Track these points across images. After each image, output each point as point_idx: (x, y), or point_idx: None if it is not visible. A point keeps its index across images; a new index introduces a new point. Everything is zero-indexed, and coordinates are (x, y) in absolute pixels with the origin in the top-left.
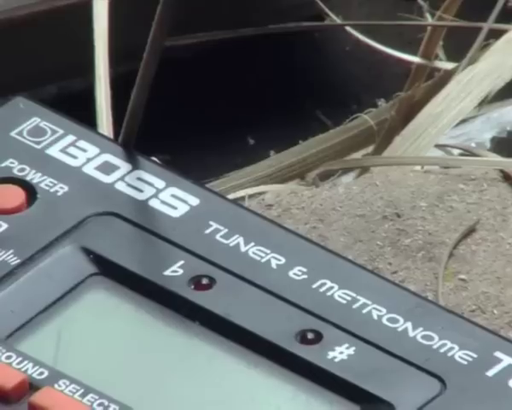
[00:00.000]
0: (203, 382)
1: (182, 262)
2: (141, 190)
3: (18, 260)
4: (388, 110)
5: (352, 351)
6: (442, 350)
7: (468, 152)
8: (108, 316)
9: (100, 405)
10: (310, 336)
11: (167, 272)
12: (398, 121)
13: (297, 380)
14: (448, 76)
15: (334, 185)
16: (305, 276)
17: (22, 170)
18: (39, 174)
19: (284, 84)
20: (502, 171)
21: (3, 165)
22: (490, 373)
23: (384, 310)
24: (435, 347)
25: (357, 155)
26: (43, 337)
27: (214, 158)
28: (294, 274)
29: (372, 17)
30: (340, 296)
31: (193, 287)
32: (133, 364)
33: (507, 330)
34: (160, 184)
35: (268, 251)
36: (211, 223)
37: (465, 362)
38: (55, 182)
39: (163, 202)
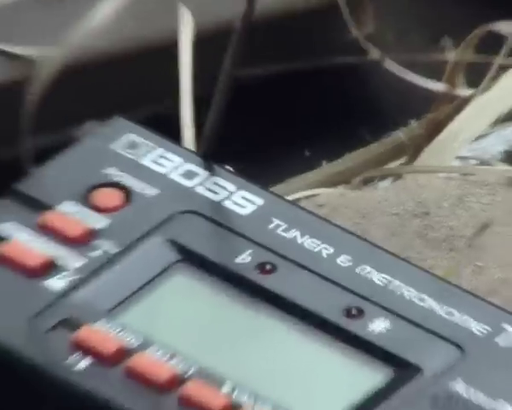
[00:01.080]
0: (268, 348)
1: (250, 251)
2: (216, 193)
3: (117, 250)
4: (418, 128)
5: (387, 324)
6: (461, 324)
7: (483, 162)
8: (190, 294)
9: (187, 366)
10: (354, 311)
11: (238, 260)
12: (425, 137)
13: (343, 348)
14: (467, 100)
15: (375, 189)
16: (349, 263)
17: (120, 176)
18: (134, 180)
19: (334, 109)
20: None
21: (105, 172)
22: (501, 343)
23: (414, 291)
24: (456, 321)
25: (393, 164)
26: (138, 312)
27: (277, 167)
28: (341, 261)
29: (406, 51)
30: (378, 279)
31: (258, 272)
32: (212, 334)
33: None
34: (231, 187)
35: (319, 242)
36: (273, 219)
37: (480, 334)
38: (147, 186)
39: (234, 203)
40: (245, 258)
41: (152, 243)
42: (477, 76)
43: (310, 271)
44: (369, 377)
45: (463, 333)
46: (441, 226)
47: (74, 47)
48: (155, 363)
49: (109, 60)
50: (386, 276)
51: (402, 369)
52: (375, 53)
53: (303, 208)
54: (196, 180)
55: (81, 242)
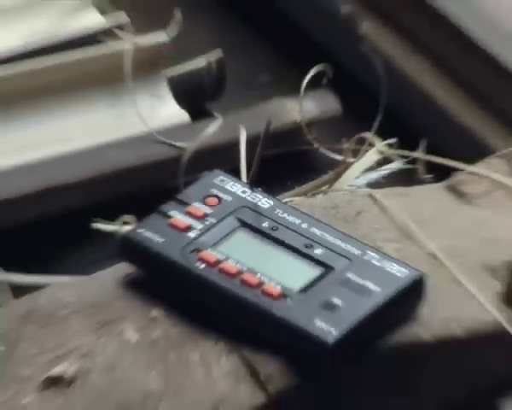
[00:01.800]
0: (273, 259)
1: (267, 222)
2: (254, 199)
3: (215, 221)
4: (333, 174)
5: (322, 251)
6: (353, 251)
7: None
8: (245, 239)
9: (244, 267)
10: (308, 245)
11: (263, 224)
12: (336, 177)
13: (304, 260)
14: (351, 163)
15: (316, 198)
16: (309, 226)
17: (217, 192)
18: (222, 193)
19: None
20: None
21: (211, 190)
22: (365, 258)
23: (333, 237)
24: (350, 250)
25: (323, 187)
26: (224, 246)
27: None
28: (307, 226)
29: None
30: (320, 233)
31: (271, 230)
32: (253, 253)
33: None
34: (260, 197)
35: (299, 220)
36: (277, 209)
37: (359, 254)
38: (227, 196)
39: (261, 203)
40: (265, 224)
41: (229, 219)
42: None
43: (292, 230)
44: (313, 271)
45: (353, 254)
46: (345, 211)
47: None
48: (232, 266)
49: None
50: (324, 233)
51: (327, 269)
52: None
53: (292, 207)
54: (246, 194)
55: (201, 218)
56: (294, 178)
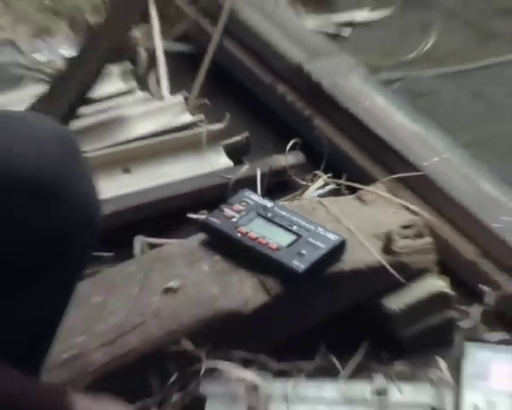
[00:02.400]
0: (275, 232)
1: (271, 213)
2: (265, 202)
3: (245, 214)
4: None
5: (296, 227)
6: (308, 228)
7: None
8: (260, 220)
9: (255, 233)
10: (292, 228)
11: (268, 215)
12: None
13: (291, 233)
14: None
15: (292, 203)
16: (291, 215)
17: (248, 201)
18: (251, 201)
19: None
20: None
21: (242, 198)
22: (318, 231)
23: (299, 219)
24: (307, 226)
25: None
26: (250, 226)
27: None
28: (291, 216)
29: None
30: (296, 218)
31: (272, 216)
32: (265, 227)
33: None
34: (266, 201)
35: (288, 214)
36: (274, 207)
37: (312, 228)
38: (253, 202)
39: (267, 203)
40: (269, 215)
41: (251, 213)
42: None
43: (282, 217)
44: (292, 237)
45: (311, 228)
46: (307, 208)
47: None
48: (253, 235)
49: None
50: (297, 219)
51: (298, 236)
52: None
53: (282, 205)
54: (259, 200)
55: (238, 212)
56: (283, 192)
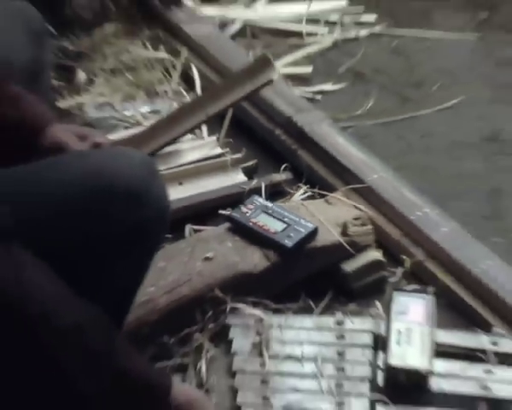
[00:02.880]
0: (267, 217)
1: (271, 210)
2: (267, 203)
3: (254, 208)
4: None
5: (287, 219)
6: (295, 220)
7: None
8: (266, 208)
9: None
10: (283, 219)
11: (269, 207)
12: None
13: (281, 220)
14: None
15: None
16: (281, 210)
17: (255, 201)
18: (258, 201)
19: None
20: None
21: (252, 202)
22: (305, 224)
23: (286, 212)
24: (294, 217)
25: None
26: (261, 216)
27: None
28: (280, 210)
29: None
30: (285, 213)
31: (265, 210)
32: (272, 212)
33: None
34: (267, 202)
35: (282, 210)
36: (270, 205)
37: (299, 220)
38: (259, 202)
39: (268, 202)
40: (270, 211)
41: (258, 210)
42: None
43: (278, 212)
44: (283, 225)
45: (296, 219)
46: (293, 207)
47: None
48: (260, 223)
49: None
50: (288, 213)
51: (288, 225)
52: None
53: (278, 205)
54: (264, 202)
55: (250, 210)
56: (278, 197)
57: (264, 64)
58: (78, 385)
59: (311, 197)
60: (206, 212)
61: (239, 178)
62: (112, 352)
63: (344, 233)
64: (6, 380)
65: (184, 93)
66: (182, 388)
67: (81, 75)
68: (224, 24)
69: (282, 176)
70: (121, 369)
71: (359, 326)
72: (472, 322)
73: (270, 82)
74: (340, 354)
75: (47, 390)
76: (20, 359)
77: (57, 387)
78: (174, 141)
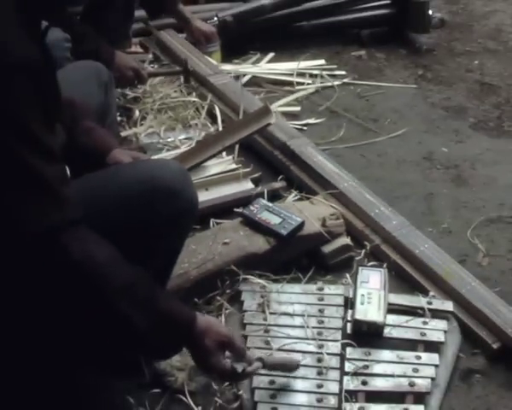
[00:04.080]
0: (270, 213)
1: (270, 210)
2: (268, 202)
3: (259, 208)
4: None
5: (282, 213)
6: (289, 215)
7: None
8: (268, 205)
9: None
10: (274, 211)
11: (272, 204)
12: None
13: (277, 214)
14: None
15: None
16: (276, 207)
17: (259, 202)
18: (262, 202)
19: None
20: None
21: (258, 202)
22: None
23: (281, 209)
24: (288, 213)
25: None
26: (266, 211)
27: None
28: (273, 208)
29: None
30: (277, 209)
31: (266, 208)
32: (274, 208)
33: None
34: (267, 202)
35: (279, 209)
36: (270, 205)
37: (295, 217)
38: (263, 202)
39: (267, 201)
40: (270, 209)
41: (262, 208)
42: None
43: (276, 210)
44: (279, 219)
45: (289, 215)
46: (287, 206)
47: None
48: (264, 218)
49: None
50: (283, 211)
51: (283, 219)
52: None
53: (276, 205)
54: (266, 202)
55: (255, 208)
56: (276, 199)
57: (265, 112)
58: (134, 322)
59: (300, 199)
60: (224, 210)
61: (248, 185)
62: (154, 298)
63: (323, 225)
64: (77, 324)
65: (209, 125)
66: (203, 317)
67: (137, 113)
68: (237, 76)
69: (279, 184)
70: (162, 308)
71: (334, 291)
72: (414, 288)
73: (268, 125)
74: (321, 311)
75: (112, 330)
76: (88, 305)
77: (119, 326)
78: (201, 164)
